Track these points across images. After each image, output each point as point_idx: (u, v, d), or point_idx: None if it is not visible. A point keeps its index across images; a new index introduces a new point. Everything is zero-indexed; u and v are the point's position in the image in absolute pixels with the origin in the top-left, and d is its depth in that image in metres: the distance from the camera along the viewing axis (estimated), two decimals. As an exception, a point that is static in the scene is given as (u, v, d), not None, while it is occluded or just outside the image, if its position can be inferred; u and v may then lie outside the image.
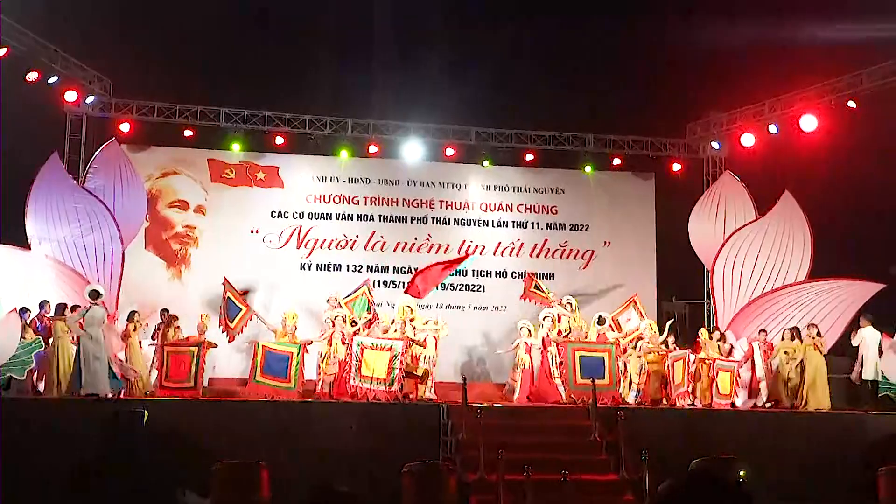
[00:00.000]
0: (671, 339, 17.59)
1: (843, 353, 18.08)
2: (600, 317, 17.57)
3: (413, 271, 19.52)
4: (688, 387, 16.56)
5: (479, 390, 17.96)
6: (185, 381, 15.65)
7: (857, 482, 12.55)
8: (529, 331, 17.24)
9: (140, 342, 16.56)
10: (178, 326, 16.81)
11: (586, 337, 17.12)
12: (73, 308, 15.59)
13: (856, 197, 18.98)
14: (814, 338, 16.91)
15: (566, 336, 17.04)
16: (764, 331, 17.91)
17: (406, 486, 11.02)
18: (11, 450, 12.12)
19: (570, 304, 17.96)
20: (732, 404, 16.73)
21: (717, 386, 16.53)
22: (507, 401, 17.12)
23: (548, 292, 18.93)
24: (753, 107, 20.97)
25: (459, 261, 19.57)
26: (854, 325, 17.43)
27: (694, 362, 16.85)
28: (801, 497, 12.80)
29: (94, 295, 15.30)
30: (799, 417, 15.67)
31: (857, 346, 17.11)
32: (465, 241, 21.31)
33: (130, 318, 16.50)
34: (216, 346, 16.74)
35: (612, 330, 17.85)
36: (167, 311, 17.20)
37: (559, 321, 17.47)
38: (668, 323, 18.10)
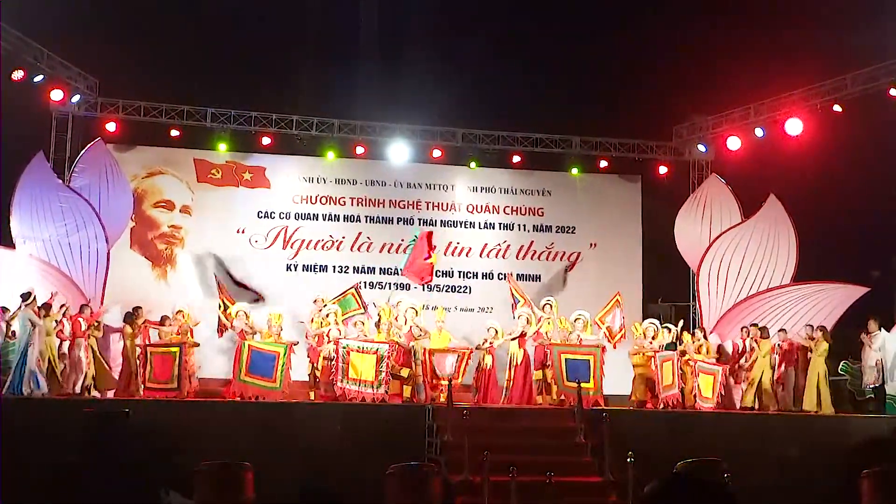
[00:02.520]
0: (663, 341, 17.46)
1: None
2: (577, 317, 17.44)
3: (399, 273, 19.54)
4: (678, 388, 16.55)
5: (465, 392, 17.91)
6: (169, 382, 15.56)
7: (840, 485, 12.58)
8: (497, 332, 17.17)
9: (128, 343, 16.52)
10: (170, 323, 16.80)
11: (568, 339, 17.02)
12: (45, 306, 15.56)
13: (841, 200, 19.06)
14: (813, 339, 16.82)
15: (550, 338, 17.00)
16: (783, 330, 17.77)
17: (390, 487, 11.00)
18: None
19: (550, 306, 17.85)
20: (717, 405, 16.70)
21: (699, 388, 16.52)
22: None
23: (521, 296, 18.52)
24: (739, 110, 21.01)
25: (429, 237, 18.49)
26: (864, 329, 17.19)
27: (680, 364, 16.85)
28: (784, 499, 12.84)
29: (24, 297, 15.29)
30: (783, 420, 15.72)
31: (863, 350, 17.03)
32: (451, 242, 21.29)
33: (127, 319, 16.35)
34: (198, 345, 16.73)
35: (600, 327, 17.74)
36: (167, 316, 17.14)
37: (533, 322, 17.31)
38: (679, 325, 17.86)
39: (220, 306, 17.41)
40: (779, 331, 17.71)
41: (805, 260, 19.44)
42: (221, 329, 17.17)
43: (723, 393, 16.78)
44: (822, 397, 16.40)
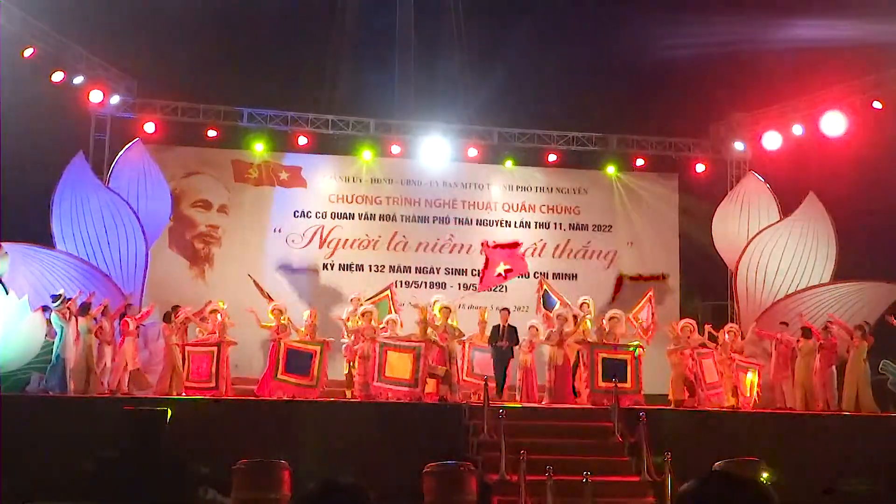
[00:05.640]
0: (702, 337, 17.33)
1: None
2: (611, 315, 17.31)
3: (435, 271, 19.58)
4: (724, 385, 16.42)
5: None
6: (207, 381, 15.67)
7: (880, 485, 12.46)
8: (538, 330, 17.10)
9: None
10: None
11: (604, 338, 16.87)
12: (84, 305, 15.70)
13: (881, 198, 18.80)
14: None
15: (587, 337, 16.89)
16: (826, 328, 17.52)
17: (427, 486, 11.03)
18: (36, 447, 12.23)
19: (587, 304, 17.76)
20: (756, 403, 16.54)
21: (738, 386, 16.39)
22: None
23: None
24: (777, 107, 20.84)
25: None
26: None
27: (720, 361, 16.70)
28: (822, 499, 12.72)
29: (54, 298, 15.45)
30: (822, 420, 15.54)
31: None
32: (487, 241, 21.23)
33: (167, 318, 16.44)
34: (236, 343, 16.79)
35: (634, 325, 17.61)
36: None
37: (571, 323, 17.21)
38: (708, 327, 17.75)
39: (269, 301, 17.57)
40: (822, 329, 17.41)
41: (844, 258, 19.24)
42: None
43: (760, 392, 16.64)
44: (862, 397, 16.15)
